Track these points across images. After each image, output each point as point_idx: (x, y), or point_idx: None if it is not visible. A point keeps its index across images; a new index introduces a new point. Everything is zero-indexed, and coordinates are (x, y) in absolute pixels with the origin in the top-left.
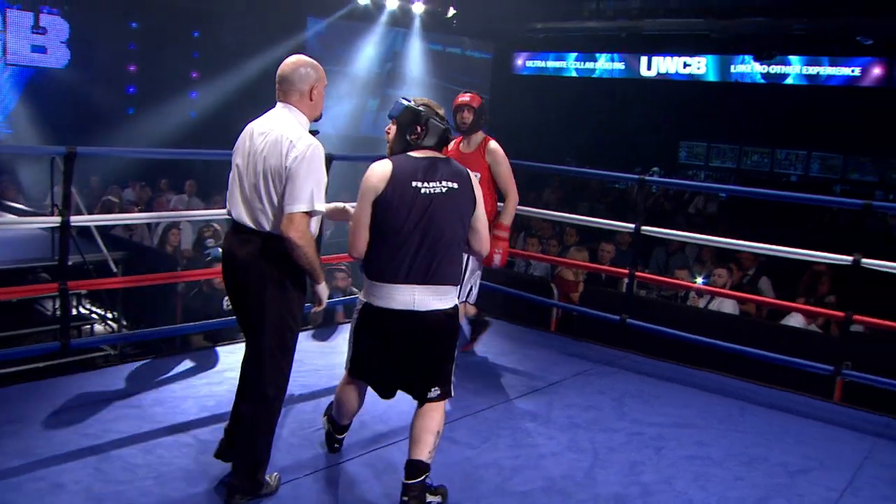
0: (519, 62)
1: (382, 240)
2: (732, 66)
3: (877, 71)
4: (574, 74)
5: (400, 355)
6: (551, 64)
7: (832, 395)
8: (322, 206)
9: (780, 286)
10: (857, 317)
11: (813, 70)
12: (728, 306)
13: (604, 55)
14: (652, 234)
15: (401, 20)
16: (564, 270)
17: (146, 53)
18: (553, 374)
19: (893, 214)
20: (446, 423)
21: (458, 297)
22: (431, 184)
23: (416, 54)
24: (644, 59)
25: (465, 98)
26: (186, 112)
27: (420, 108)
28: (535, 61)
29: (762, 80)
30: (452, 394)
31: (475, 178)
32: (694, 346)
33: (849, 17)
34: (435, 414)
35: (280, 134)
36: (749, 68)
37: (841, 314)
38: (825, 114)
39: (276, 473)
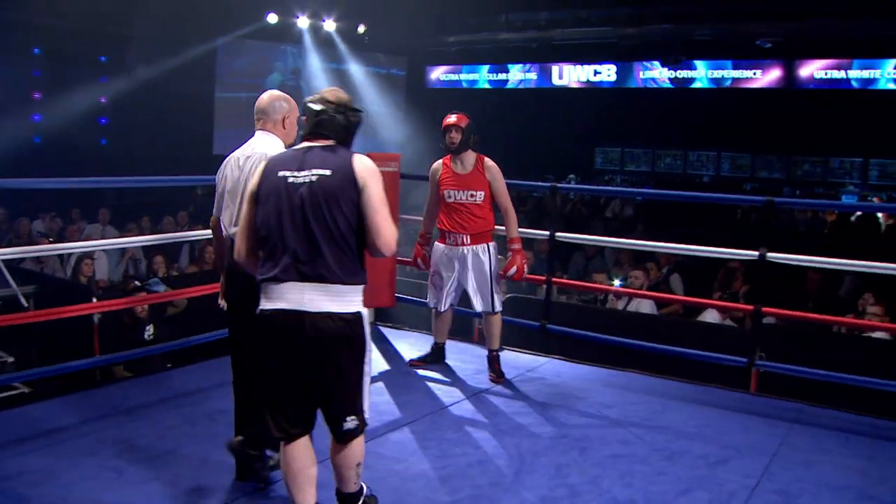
0: (432, 76)
1: (267, 237)
2: (641, 73)
3: (777, 73)
4: (487, 86)
5: (294, 370)
6: (465, 77)
7: (749, 387)
8: None
9: (695, 283)
10: (765, 309)
11: (718, 73)
12: (646, 306)
13: (516, 66)
14: (566, 240)
15: (311, 38)
16: None
17: (51, 79)
18: (478, 382)
19: (799, 210)
20: (373, 438)
21: (485, 307)
22: (302, 173)
23: (321, 72)
24: (556, 69)
25: (452, 119)
26: (96, 138)
27: (311, 98)
28: (449, 75)
29: (671, 85)
30: (367, 423)
31: (365, 169)
32: (614, 348)
33: (748, 22)
34: (354, 445)
35: (262, 153)
36: (657, 74)
37: (750, 307)
38: (732, 115)
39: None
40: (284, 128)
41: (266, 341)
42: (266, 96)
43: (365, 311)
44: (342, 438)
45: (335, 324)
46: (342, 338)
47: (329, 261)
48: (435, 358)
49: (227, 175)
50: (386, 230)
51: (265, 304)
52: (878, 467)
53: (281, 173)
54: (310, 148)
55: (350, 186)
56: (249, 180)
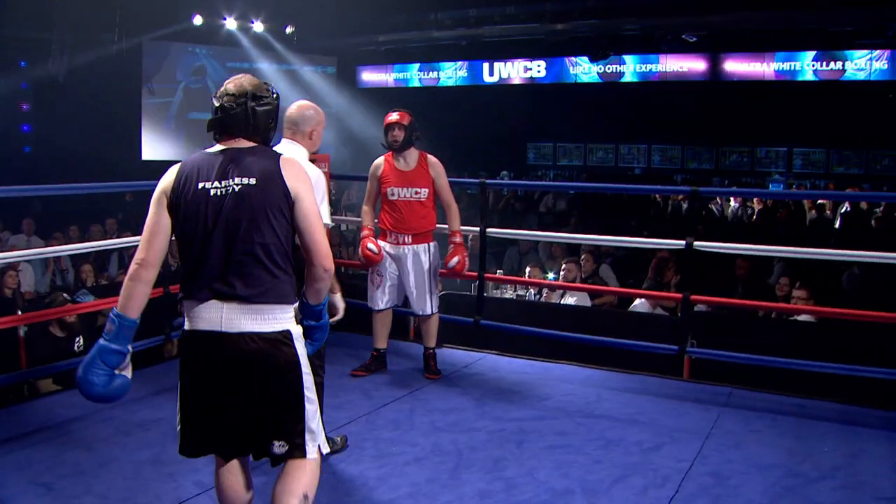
0: (363, 76)
1: (186, 252)
2: (571, 68)
3: (702, 66)
4: (418, 85)
5: (214, 393)
6: (395, 76)
7: (682, 374)
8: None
9: (629, 273)
10: (694, 297)
11: (645, 68)
12: (581, 298)
13: (447, 64)
14: (498, 236)
15: (237, 39)
16: None
17: None
18: (413, 381)
19: (724, 198)
20: None
21: (422, 307)
22: (223, 182)
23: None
24: (486, 66)
25: (394, 116)
26: (19, 146)
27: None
28: (379, 74)
29: (599, 80)
30: (311, 453)
31: (301, 170)
32: (549, 341)
33: (674, 16)
34: (298, 474)
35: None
36: (586, 69)
37: (679, 296)
38: (661, 108)
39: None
40: (311, 139)
41: (184, 364)
42: (295, 107)
43: (297, 329)
44: (275, 463)
45: (257, 344)
46: (265, 359)
47: (252, 279)
48: (378, 366)
49: None
50: (324, 248)
51: (185, 325)
52: (805, 445)
53: (200, 184)
54: (227, 151)
55: (279, 197)
56: None
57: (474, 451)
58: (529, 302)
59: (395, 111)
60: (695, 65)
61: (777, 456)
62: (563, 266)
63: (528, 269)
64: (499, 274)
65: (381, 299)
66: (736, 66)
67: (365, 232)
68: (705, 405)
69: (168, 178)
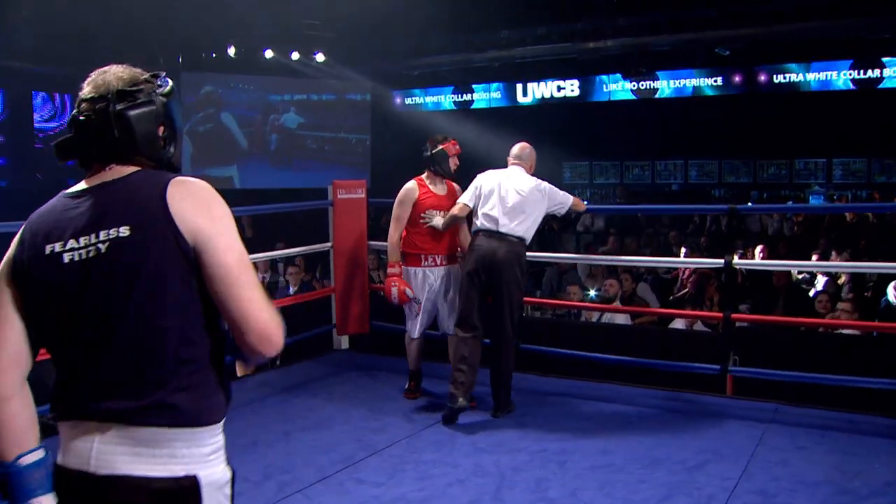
0: (397, 101)
1: (51, 353)
2: (604, 86)
3: (737, 79)
4: (452, 107)
5: None
6: (430, 99)
7: (725, 391)
8: None
9: (667, 290)
10: (734, 315)
11: (679, 83)
12: (620, 316)
13: (480, 86)
14: (533, 259)
15: (274, 69)
16: None
17: None
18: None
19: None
20: (351, 465)
21: (451, 329)
22: (83, 240)
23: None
24: (520, 87)
25: (458, 146)
26: None
27: None
28: (413, 98)
29: (634, 97)
30: None
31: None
32: (589, 360)
33: (706, 31)
34: None
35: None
36: (620, 86)
37: (719, 315)
38: (697, 123)
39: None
40: (530, 166)
41: None
42: (520, 145)
43: (214, 474)
44: None
45: (140, 497)
46: None
47: (137, 389)
48: (419, 385)
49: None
50: (259, 316)
51: (57, 455)
52: (854, 461)
53: (49, 247)
54: (90, 190)
55: (170, 248)
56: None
57: (517, 472)
58: (569, 322)
59: (453, 139)
60: (729, 78)
61: (825, 473)
62: (606, 282)
63: (568, 289)
64: (538, 295)
65: (420, 327)
66: (770, 78)
67: (396, 269)
68: (750, 422)
69: (11, 248)
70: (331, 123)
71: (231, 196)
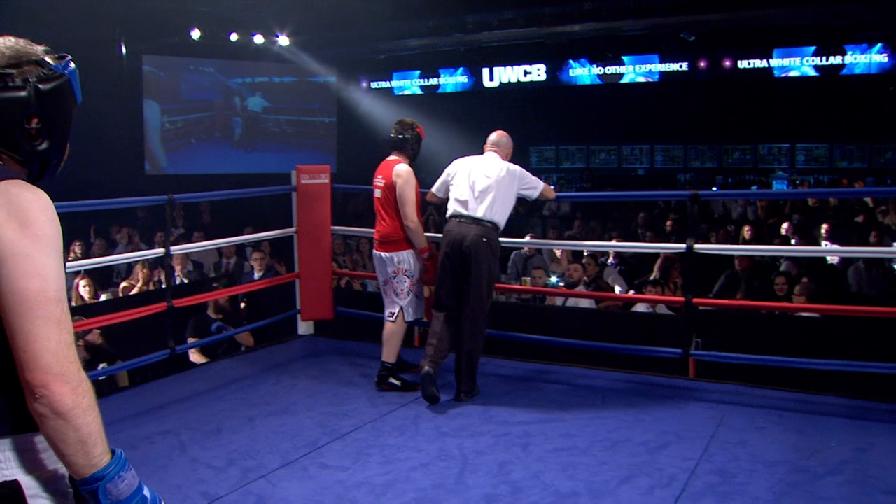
0: (363, 85)
1: None
2: (570, 71)
3: (702, 64)
4: (419, 92)
5: None
6: (395, 83)
7: (688, 373)
8: None
9: (632, 273)
10: (696, 300)
11: (645, 68)
12: (583, 300)
13: (447, 70)
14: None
15: (239, 53)
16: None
17: None
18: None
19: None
20: (315, 449)
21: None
22: None
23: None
24: (486, 71)
25: None
26: None
27: None
28: (379, 83)
29: (600, 81)
30: None
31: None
32: (553, 344)
33: (671, 15)
34: None
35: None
36: (586, 71)
37: (681, 299)
38: (663, 108)
39: None
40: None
41: None
42: (498, 133)
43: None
44: None
45: None
46: None
47: None
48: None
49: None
50: (43, 356)
51: None
52: (811, 441)
53: None
54: None
55: None
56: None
57: (480, 456)
58: (534, 306)
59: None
60: (694, 63)
61: (783, 452)
62: (569, 267)
63: (533, 273)
64: (503, 280)
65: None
66: (735, 64)
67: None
68: (711, 404)
69: None
70: (296, 107)
71: (192, 181)
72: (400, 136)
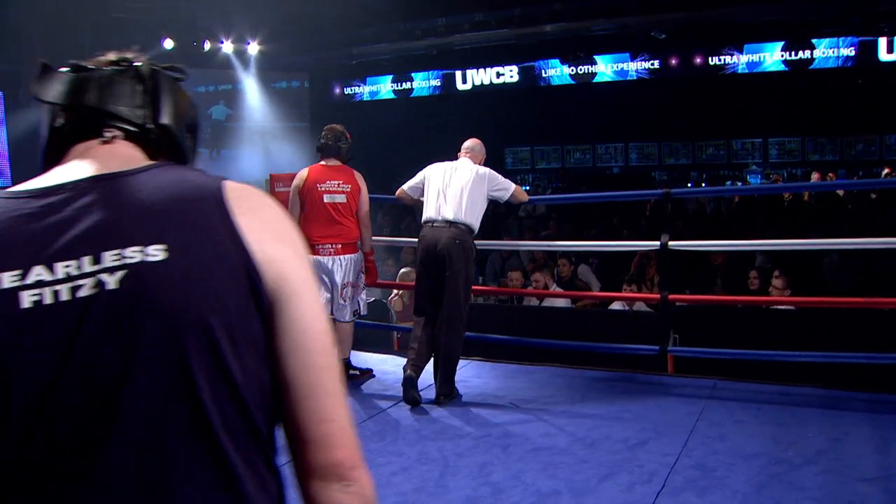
0: (336, 90)
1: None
2: (543, 71)
3: (673, 62)
4: (392, 96)
5: None
6: (368, 88)
7: (666, 369)
8: None
9: (609, 271)
10: (672, 296)
11: (617, 67)
12: (560, 300)
13: (419, 74)
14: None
15: (209, 61)
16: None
17: None
18: (398, 391)
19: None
20: None
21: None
22: (59, 271)
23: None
24: (459, 74)
25: None
26: None
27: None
28: (352, 87)
29: (573, 81)
30: None
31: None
32: (531, 345)
33: (640, 14)
34: None
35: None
36: (558, 72)
37: (657, 296)
38: (636, 106)
39: None
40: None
41: None
42: (472, 140)
43: None
44: None
45: None
46: None
47: None
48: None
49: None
50: (345, 443)
51: None
52: (789, 432)
53: (10, 280)
54: (80, 185)
55: (235, 283)
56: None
57: (460, 458)
58: (511, 307)
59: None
60: (666, 61)
61: (761, 445)
62: (533, 277)
63: (510, 274)
64: (481, 282)
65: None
66: (707, 61)
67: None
68: (690, 399)
69: None
70: (269, 113)
71: None
72: (339, 144)
